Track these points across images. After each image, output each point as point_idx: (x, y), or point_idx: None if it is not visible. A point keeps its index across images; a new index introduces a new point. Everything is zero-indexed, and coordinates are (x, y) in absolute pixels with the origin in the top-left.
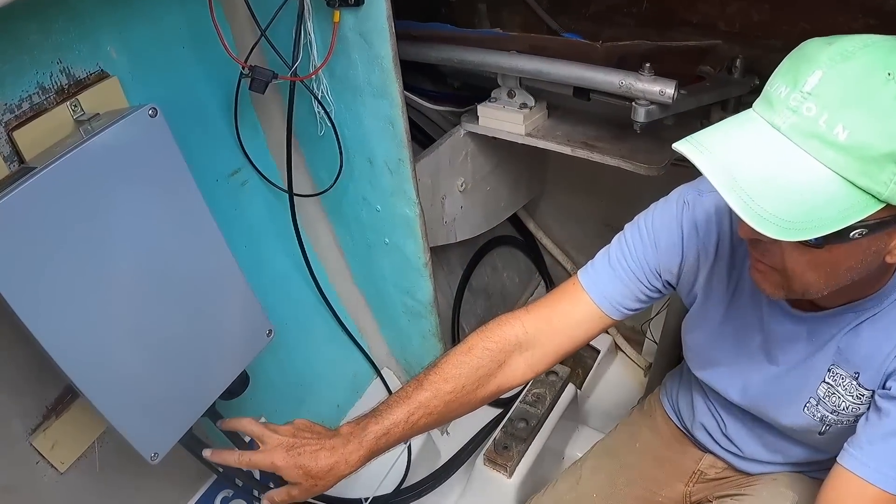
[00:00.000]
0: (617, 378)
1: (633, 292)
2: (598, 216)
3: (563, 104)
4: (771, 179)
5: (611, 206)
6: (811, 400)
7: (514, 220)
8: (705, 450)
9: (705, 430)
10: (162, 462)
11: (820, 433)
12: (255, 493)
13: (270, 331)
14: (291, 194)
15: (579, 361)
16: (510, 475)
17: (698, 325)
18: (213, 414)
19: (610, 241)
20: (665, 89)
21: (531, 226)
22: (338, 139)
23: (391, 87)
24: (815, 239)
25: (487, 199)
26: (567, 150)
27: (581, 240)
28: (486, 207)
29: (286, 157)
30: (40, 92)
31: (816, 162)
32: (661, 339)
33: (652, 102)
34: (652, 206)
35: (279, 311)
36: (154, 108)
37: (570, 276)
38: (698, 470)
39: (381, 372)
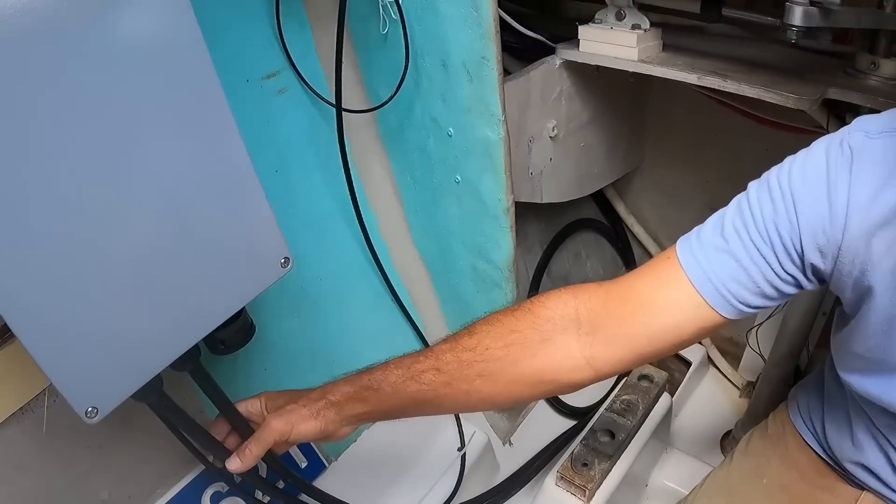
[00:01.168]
0: (707, 398)
1: (753, 278)
2: (702, 198)
3: (679, 42)
4: None
5: (718, 185)
6: None
7: (602, 202)
8: (864, 487)
9: (868, 463)
10: (136, 436)
11: None
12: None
13: (287, 260)
14: (340, 109)
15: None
16: (587, 500)
17: (876, 322)
18: (197, 371)
19: None
20: None
21: (621, 209)
22: (405, 33)
23: None
24: None
25: (580, 158)
26: (692, 79)
27: (678, 226)
28: (578, 168)
29: (335, 61)
30: None
31: None
32: (772, 351)
33: (812, 3)
34: (788, 158)
35: (313, 261)
36: None
37: None
38: None
39: None
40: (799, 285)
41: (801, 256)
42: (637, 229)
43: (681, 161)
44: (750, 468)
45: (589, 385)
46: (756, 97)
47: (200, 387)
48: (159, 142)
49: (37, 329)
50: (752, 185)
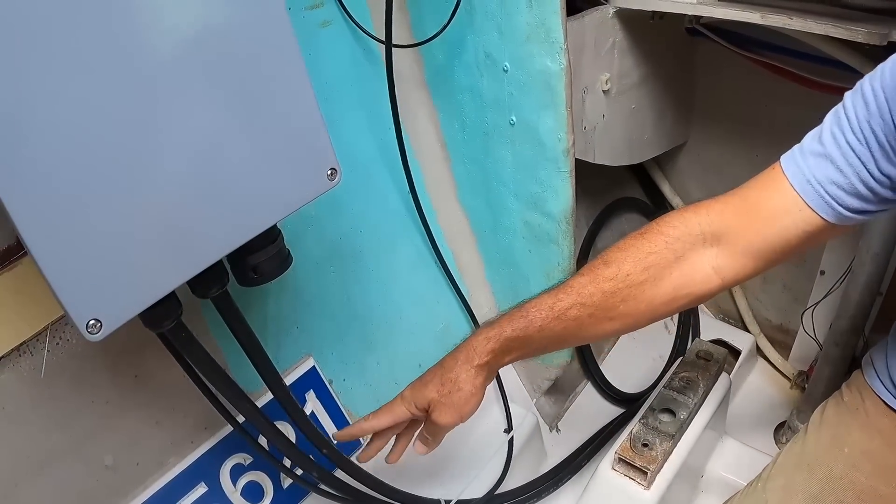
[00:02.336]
0: (758, 388)
1: (849, 179)
2: (751, 174)
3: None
4: None
5: (769, 160)
6: None
7: (647, 182)
8: None
9: None
10: (150, 395)
11: None
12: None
13: (334, 171)
14: (389, 44)
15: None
16: (648, 485)
17: None
18: (222, 299)
19: None
20: None
21: (666, 189)
22: None
23: None
24: None
25: (630, 121)
26: (756, 18)
27: None
28: (629, 132)
29: None
30: None
31: None
32: (832, 329)
33: None
34: (880, 65)
35: (355, 209)
36: None
37: None
38: None
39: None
40: (894, 186)
41: None
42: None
43: (728, 136)
44: (829, 439)
45: (718, 293)
46: (824, 34)
47: (225, 320)
48: (199, 38)
49: (36, 216)
50: (848, 94)
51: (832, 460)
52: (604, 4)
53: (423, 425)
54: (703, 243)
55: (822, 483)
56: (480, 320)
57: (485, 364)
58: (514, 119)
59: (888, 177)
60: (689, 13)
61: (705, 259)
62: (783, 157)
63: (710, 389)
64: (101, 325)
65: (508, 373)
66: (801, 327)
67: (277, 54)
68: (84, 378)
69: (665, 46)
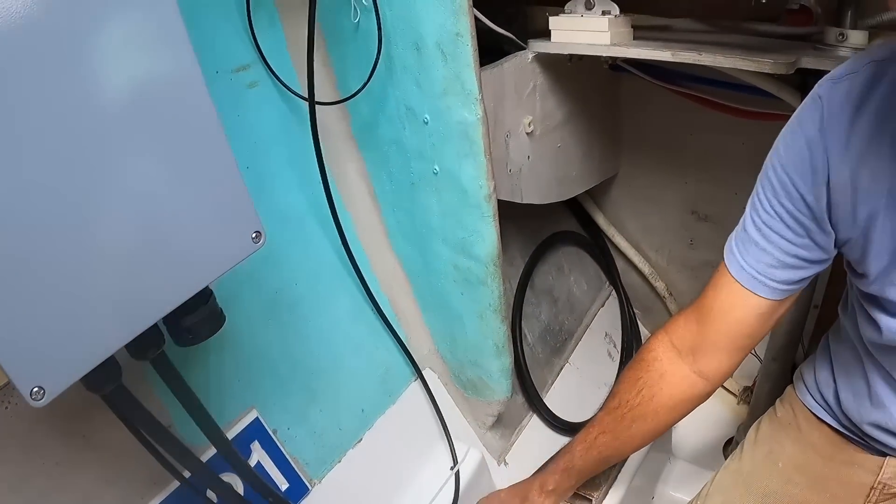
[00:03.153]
0: (705, 407)
1: (776, 255)
2: (683, 202)
3: (649, 35)
4: None
5: (698, 186)
6: None
7: (582, 214)
8: (887, 451)
9: (891, 420)
10: (99, 454)
11: None
12: None
13: (259, 234)
14: (312, 102)
15: None
16: None
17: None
18: (159, 361)
19: (696, 232)
20: None
21: (600, 220)
22: (378, 17)
23: None
24: None
25: (558, 159)
26: (667, 56)
27: (660, 233)
28: (557, 170)
29: (307, 52)
30: None
31: None
32: (769, 344)
33: None
34: (776, 140)
35: (288, 263)
36: None
37: (646, 282)
38: (879, 483)
39: (423, 373)
40: (815, 243)
41: (809, 208)
42: (618, 240)
43: (657, 165)
44: (763, 455)
45: (714, 392)
46: (731, 66)
47: (165, 381)
48: (123, 95)
49: None
50: (759, 176)
51: (768, 476)
52: (523, 50)
53: None
54: (680, 357)
55: (758, 499)
56: (420, 363)
57: (554, 490)
58: (437, 168)
59: (807, 234)
60: (604, 55)
61: (686, 369)
62: (724, 253)
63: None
64: (44, 392)
65: (452, 411)
66: None
67: (197, 123)
68: (34, 441)
69: (587, 85)
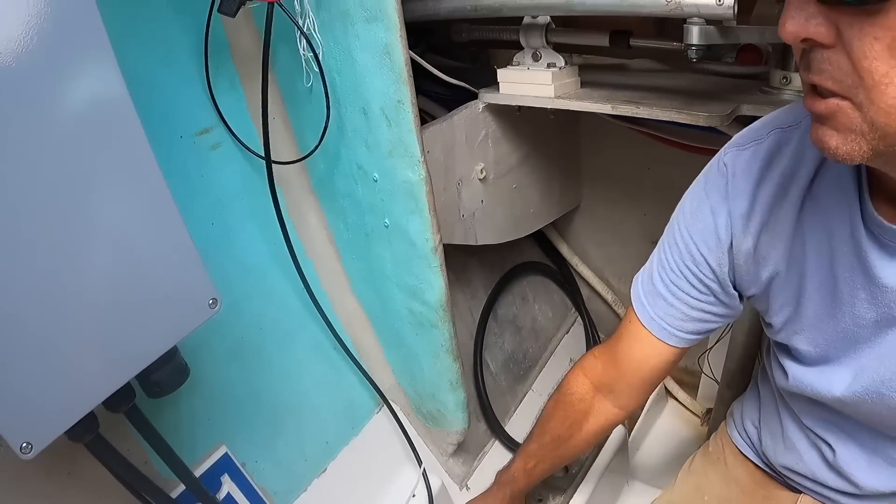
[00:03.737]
0: (670, 428)
1: (682, 310)
2: (642, 232)
3: (598, 79)
4: None
5: (656, 218)
6: None
7: (546, 244)
8: (801, 489)
9: (801, 463)
10: (75, 487)
11: None
12: None
13: (215, 301)
14: (269, 161)
15: None
16: None
17: (780, 309)
18: (132, 413)
19: None
20: None
21: (564, 250)
22: (325, 87)
23: (386, 2)
24: None
25: (514, 200)
26: (607, 109)
27: (622, 262)
28: (513, 210)
29: (262, 112)
30: None
31: None
32: (724, 372)
33: (709, 22)
34: (684, 195)
35: (252, 311)
36: None
37: (610, 309)
38: None
39: (389, 401)
40: (720, 301)
41: (713, 271)
42: (582, 268)
43: (618, 198)
44: (692, 487)
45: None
46: (668, 119)
47: (137, 429)
48: (84, 187)
49: None
50: (665, 232)
51: None
52: (474, 100)
53: None
54: (600, 396)
55: None
56: (387, 394)
57: (511, 489)
58: (387, 222)
59: (710, 292)
60: (548, 106)
61: (607, 406)
62: (633, 300)
63: (603, 444)
64: (31, 447)
65: (415, 440)
66: (702, 370)
67: (152, 205)
68: (24, 477)
69: (542, 127)
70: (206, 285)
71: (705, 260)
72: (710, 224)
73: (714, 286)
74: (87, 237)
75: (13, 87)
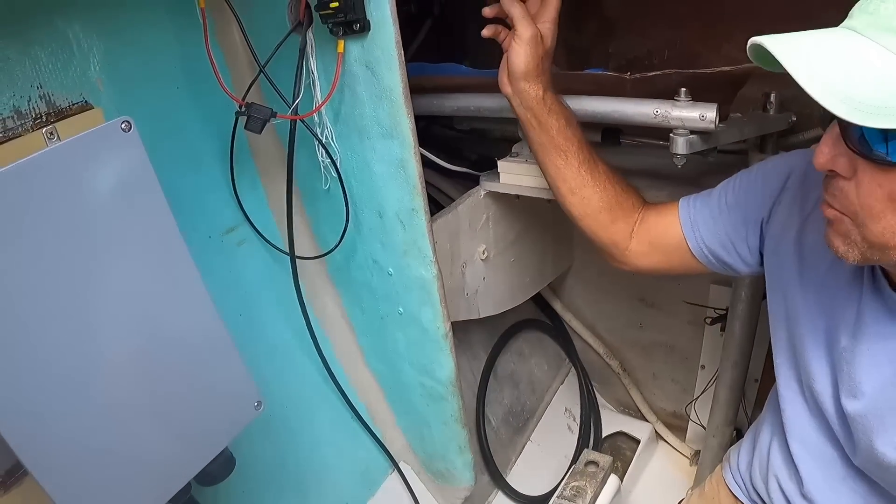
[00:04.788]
0: (660, 471)
1: (718, 233)
2: (631, 290)
3: None
4: (842, 61)
5: (644, 278)
6: None
7: (540, 301)
8: None
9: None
10: None
11: None
12: None
13: (259, 403)
14: (293, 257)
15: (618, 453)
16: None
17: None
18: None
19: (645, 316)
20: (706, 113)
21: (558, 307)
22: (343, 190)
23: (401, 123)
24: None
25: (512, 272)
26: None
27: (613, 319)
28: (511, 281)
29: (286, 213)
30: (15, 116)
31: (891, 53)
32: (709, 422)
33: (692, 132)
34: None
35: (278, 389)
36: (128, 122)
37: (603, 360)
38: None
39: (400, 464)
40: (747, 257)
41: (758, 225)
42: (575, 324)
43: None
44: None
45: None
46: None
47: None
48: (149, 301)
49: (59, 473)
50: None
51: None
52: (476, 187)
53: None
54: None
55: None
56: (397, 457)
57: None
58: (401, 310)
59: (747, 244)
60: (546, 197)
61: (627, 229)
62: (680, 201)
63: (599, 494)
64: None
65: (425, 496)
66: (689, 417)
67: (205, 336)
68: None
69: (537, 209)
70: (251, 389)
71: (758, 209)
72: (779, 183)
73: (753, 235)
74: (154, 357)
75: (86, 217)
